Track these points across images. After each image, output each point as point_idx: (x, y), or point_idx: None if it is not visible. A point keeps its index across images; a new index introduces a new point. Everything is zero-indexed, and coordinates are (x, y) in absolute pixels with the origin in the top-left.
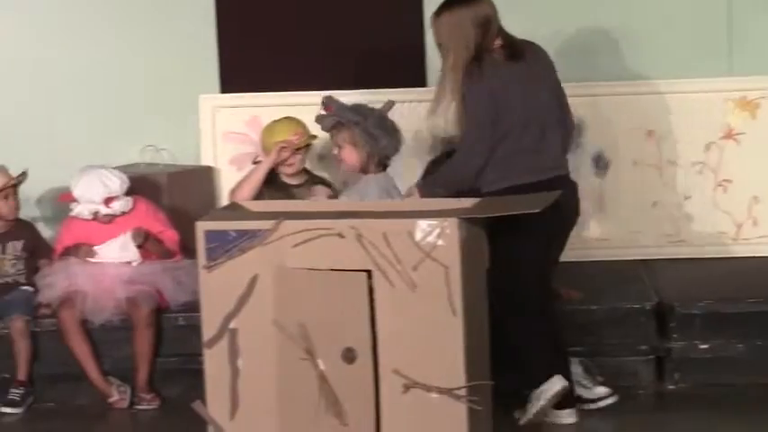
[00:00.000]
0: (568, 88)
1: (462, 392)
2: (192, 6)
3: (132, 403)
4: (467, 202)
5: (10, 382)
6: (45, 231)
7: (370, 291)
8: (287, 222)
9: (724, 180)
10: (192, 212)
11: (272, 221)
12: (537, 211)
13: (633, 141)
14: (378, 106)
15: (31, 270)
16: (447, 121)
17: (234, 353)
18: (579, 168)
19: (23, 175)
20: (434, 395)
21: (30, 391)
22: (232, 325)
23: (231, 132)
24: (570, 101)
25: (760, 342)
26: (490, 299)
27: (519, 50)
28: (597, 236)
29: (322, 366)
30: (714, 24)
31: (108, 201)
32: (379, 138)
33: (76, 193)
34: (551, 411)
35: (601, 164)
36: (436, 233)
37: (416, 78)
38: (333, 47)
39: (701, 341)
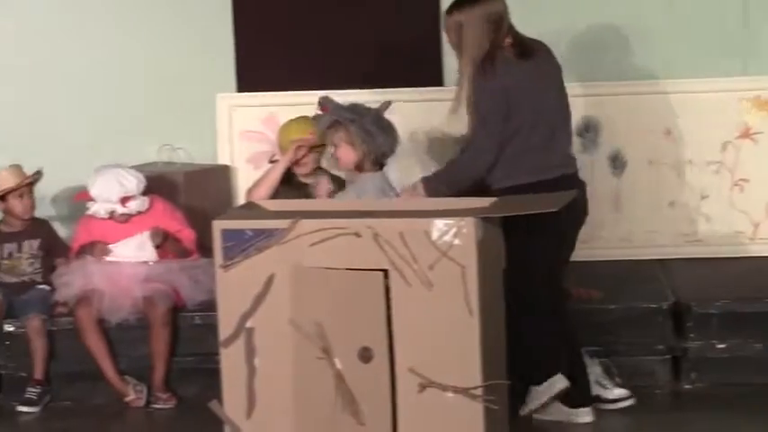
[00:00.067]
0: (584, 87)
1: (478, 392)
2: (209, 5)
3: (148, 402)
4: (483, 202)
5: (27, 380)
6: (62, 231)
7: (387, 290)
8: (303, 221)
9: (741, 179)
10: (208, 211)
11: (289, 221)
12: (554, 210)
13: (650, 141)
14: (397, 105)
15: (48, 269)
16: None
17: (250, 352)
18: (596, 168)
19: (38, 173)
20: (450, 394)
21: (46, 390)
22: (249, 324)
23: (248, 131)
24: (586, 100)
25: None
26: (506, 298)
27: (529, 49)
28: (614, 236)
29: (338, 365)
30: (731, 24)
31: (124, 200)
32: (376, 136)
33: (93, 192)
34: (567, 410)
35: (617, 163)
36: (453, 232)
37: (433, 78)
38: (349, 46)
39: (717, 341)
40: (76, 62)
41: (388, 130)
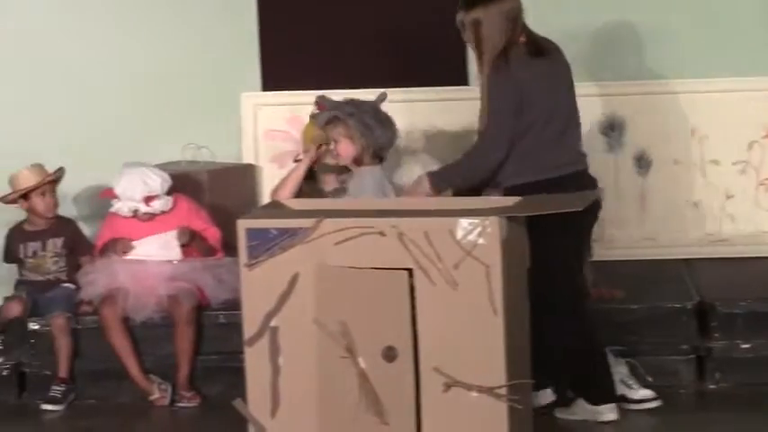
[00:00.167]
0: (609, 87)
1: (503, 391)
2: (235, 4)
3: (173, 401)
4: (508, 201)
5: (51, 379)
6: (86, 230)
7: (411, 289)
8: (328, 220)
9: (766, 179)
10: (232, 210)
11: (314, 220)
12: (579, 209)
13: (675, 140)
14: (417, 105)
15: (73, 267)
16: None
17: (275, 351)
18: (621, 167)
19: (60, 171)
20: (475, 394)
21: (71, 389)
22: (273, 323)
23: (272, 130)
24: (611, 99)
25: None
26: (531, 298)
27: (542, 47)
28: (639, 235)
29: (362, 365)
30: (758, 22)
31: (148, 199)
32: (374, 128)
33: (118, 190)
34: (591, 408)
35: (642, 163)
36: (477, 232)
37: (458, 77)
38: (374, 45)
39: (742, 341)
40: (102, 61)
41: (386, 122)
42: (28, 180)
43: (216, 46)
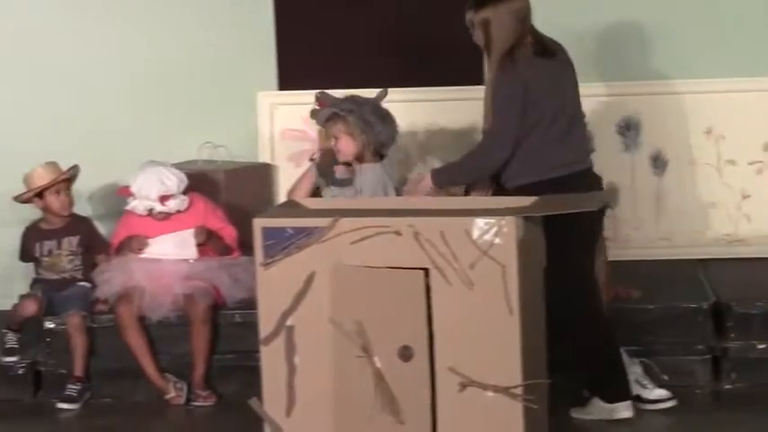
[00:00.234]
0: (625, 86)
1: (519, 391)
2: (251, 4)
3: (189, 400)
4: (524, 201)
5: (67, 377)
6: (102, 229)
7: (427, 289)
8: (344, 220)
9: None
10: (249, 209)
11: (330, 219)
12: (595, 209)
13: (691, 140)
14: (433, 104)
15: (88, 266)
16: None
17: (290, 350)
18: (637, 167)
19: (74, 168)
20: (491, 394)
21: (86, 387)
22: (289, 322)
23: (289, 129)
24: (627, 99)
25: None
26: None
27: (548, 47)
28: (655, 235)
29: (378, 364)
30: None
31: (163, 199)
32: (375, 125)
33: (134, 188)
34: (607, 406)
35: (658, 163)
36: (493, 231)
37: (474, 76)
38: (390, 44)
39: (758, 341)
40: (119, 61)
41: (387, 119)
42: (42, 178)
43: (233, 45)
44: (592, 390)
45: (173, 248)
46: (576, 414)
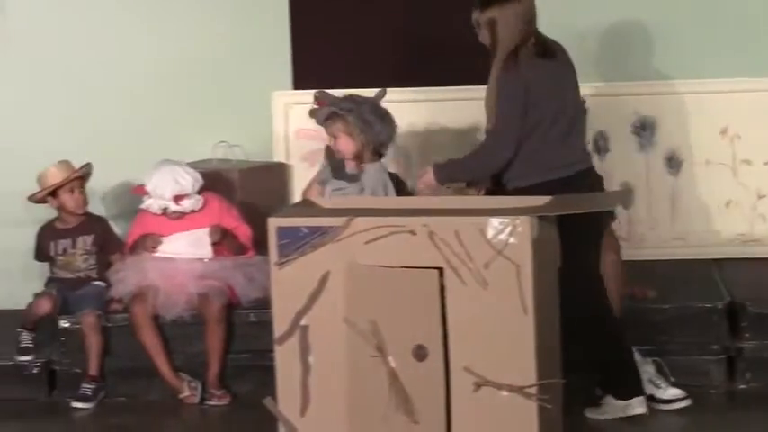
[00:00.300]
0: (640, 86)
1: (533, 390)
2: (266, 3)
3: (203, 399)
4: (539, 200)
5: (81, 376)
6: (116, 229)
7: (442, 288)
8: (358, 219)
9: None
10: (263, 209)
11: (344, 218)
12: (612, 209)
13: (706, 140)
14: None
15: (103, 265)
16: None
17: (305, 349)
18: (651, 167)
19: (87, 166)
20: (505, 393)
21: (101, 386)
22: (303, 322)
23: (304, 129)
24: (642, 99)
25: None
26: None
27: (549, 48)
28: (669, 235)
29: (393, 364)
30: None
31: (178, 198)
32: (374, 124)
33: (149, 186)
34: (621, 403)
35: (673, 163)
36: (508, 231)
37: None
38: (405, 44)
39: None
40: (134, 60)
41: (386, 118)
42: (55, 177)
43: (248, 45)
44: (604, 388)
45: (187, 247)
46: (591, 414)
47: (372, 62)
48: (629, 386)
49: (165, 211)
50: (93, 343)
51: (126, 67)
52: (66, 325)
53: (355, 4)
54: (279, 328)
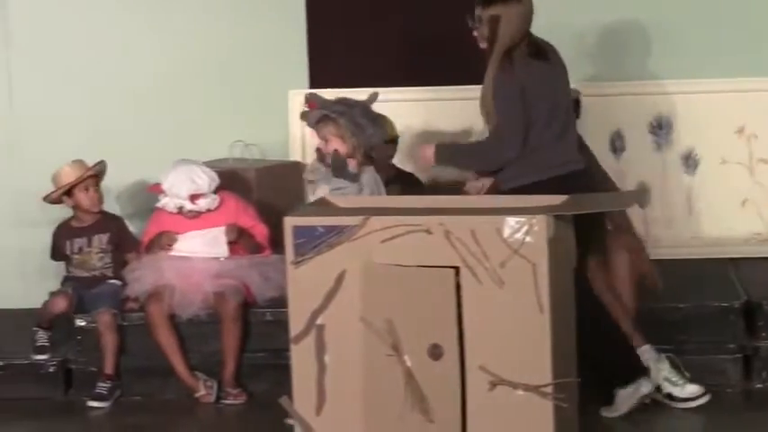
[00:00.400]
0: (657, 85)
1: (549, 390)
2: (283, 3)
3: (219, 398)
4: (555, 200)
5: (97, 375)
6: (133, 227)
7: (458, 287)
8: (374, 218)
9: None
10: (280, 208)
11: (360, 217)
12: (628, 208)
13: (722, 139)
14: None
15: (119, 264)
16: None
17: (321, 348)
18: (668, 166)
19: (101, 164)
20: (521, 392)
21: (117, 385)
22: (319, 321)
23: None
24: (659, 98)
25: None
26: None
27: (542, 49)
28: (686, 234)
29: (408, 363)
30: None
31: (194, 197)
32: (366, 127)
33: (165, 185)
34: (629, 390)
35: (690, 162)
36: (524, 230)
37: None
38: (421, 43)
39: None
40: (152, 60)
41: (377, 122)
42: (69, 176)
43: (264, 44)
44: (611, 380)
45: (204, 246)
46: (607, 413)
47: (388, 61)
48: (629, 369)
49: (180, 210)
50: (109, 342)
51: (142, 66)
52: (82, 324)
53: (372, 4)
54: (295, 327)
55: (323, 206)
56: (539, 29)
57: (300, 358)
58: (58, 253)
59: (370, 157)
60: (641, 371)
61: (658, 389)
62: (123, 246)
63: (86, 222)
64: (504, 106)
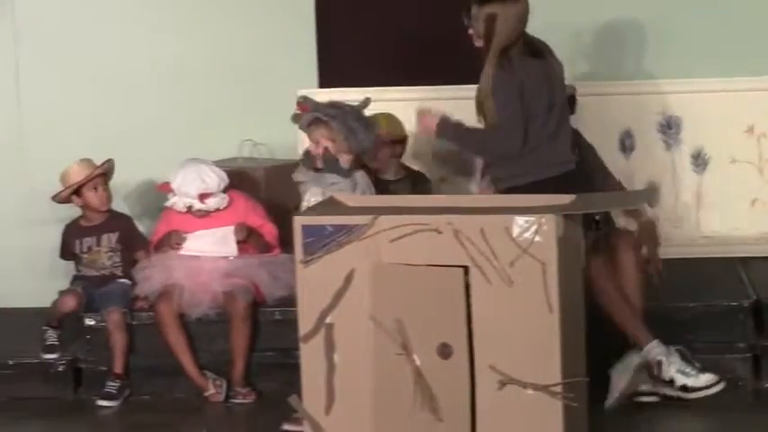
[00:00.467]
0: (666, 85)
1: (558, 389)
2: (292, 2)
3: (228, 397)
4: (564, 199)
5: (106, 374)
6: (142, 227)
7: (467, 287)
8: (384, 217)
9: None
10: (289, 207)
11: (369, 216)
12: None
13: (732, 139)
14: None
15: (128, 263)
16: None
17: (330, 348)
18: (677, 165)
19: (109, 162)
20: (530, 391)
21: (126, 384)
22: (328, 320)
23: None
24: (668, 98)
25: None
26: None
27: (537, 48)
28: (695, 233)
29: (418, 362)
30: None
31: (203, 197)
32: (357, 131)
33: (174, 184)
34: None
35: (699, 161)
36: (533, 229)
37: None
38: (431, 42)
39: None
40: (160, 59)
41: (369, 126)
42: (77, 174)
43: (273, 43)
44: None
45: (213, 246)
46: (607, 402)
47: (397, 60)
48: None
49: (189, 209)
50: (119, 341)
51: (151, 65)
52: (92, 323)
53: (381, 3)
54: (304, 326)
55: (332, 205)
56: (548, 26)
57: (309, 357)
58: (67, 252)
59: (361, 160)
60: (629, 347)
61: (672, 383)
62: (132, 245)
63: (95, 221)
64: (505, 104)
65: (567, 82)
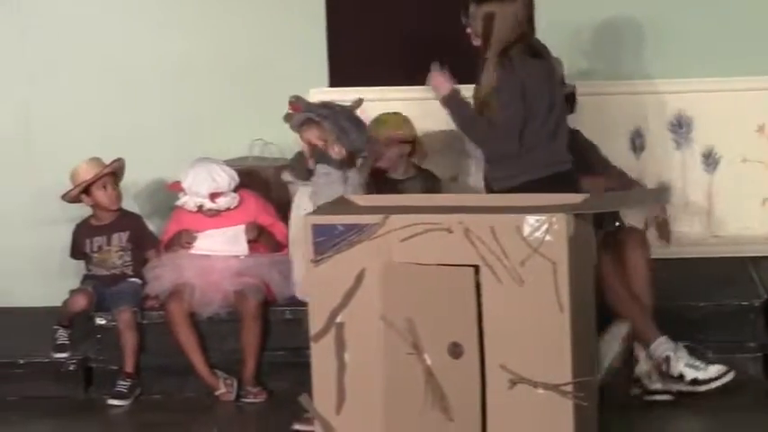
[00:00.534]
0: (677, 84)
1: (569, 388)
2: (303, 1)
3: (239, 396)
4: (575, 198)
5: (117, 374)
6: (152, 226)
7: (477, 286)
8: (394, 217)
9: None
10: None
11: (380, 216)
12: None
13: (743, 138)
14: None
15: (139, 262)
16: None
17: (341, 347)
18: (688, 165)
19: (118, 161)
20: (541, 391)
21: (137, 383)
22: (339, 319)
23: None
24: (679, 97)
25: None
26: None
27: (536, 48)
28: (706, 233)
29: (428, 361)
30: None
31: (214, 196)
32: (350, 131)
33: (185, 183)
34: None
35: (710, 160)
36: (544, 228)
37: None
38: (442, 42)
39: None
40: (171, 59)
41: (361, 127)
42: (86, 173)
43: (284, 42)
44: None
45: (224, 245)
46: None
47: (409, 59)
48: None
49: (200, 209)
50: (129, 340)
51: (162, 64)
52: (102, 322)
53: (391, 3)
54: (314, 325)
55: (342, 205)
56: (555, 25)
57: (320, 356)
58: (77, 251)
59: (354, 159)
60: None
61: (681, 378)
62: (143, 244)
63: (105, 220)
64: (507, 103)
65: (573, 81)
